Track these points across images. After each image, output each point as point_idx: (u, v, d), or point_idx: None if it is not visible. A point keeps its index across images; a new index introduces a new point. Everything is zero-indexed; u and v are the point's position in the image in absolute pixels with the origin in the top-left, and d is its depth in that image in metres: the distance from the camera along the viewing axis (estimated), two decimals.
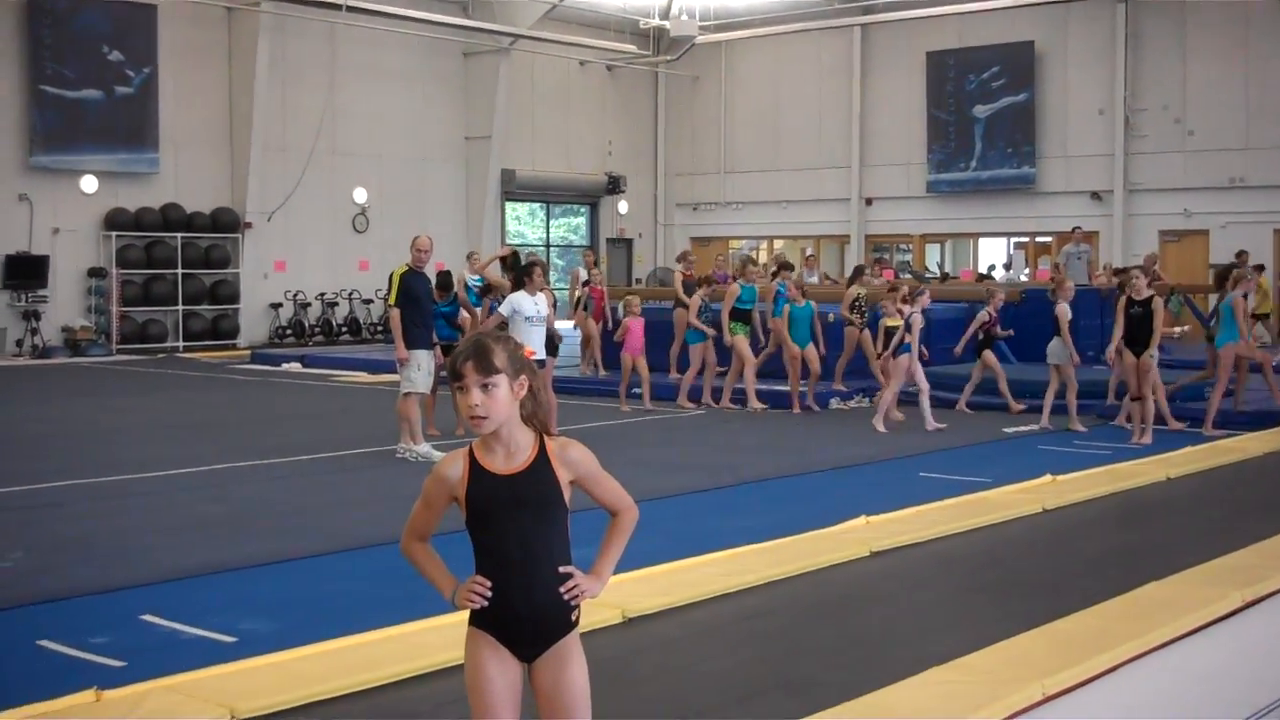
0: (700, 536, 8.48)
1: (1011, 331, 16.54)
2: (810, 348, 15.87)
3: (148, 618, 6.60)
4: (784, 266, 17.45)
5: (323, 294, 28.29)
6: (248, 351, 25.13)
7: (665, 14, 31.64)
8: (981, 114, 30.46)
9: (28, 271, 24.13)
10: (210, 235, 26.59)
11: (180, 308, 26.05)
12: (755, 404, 15.92)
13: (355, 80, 28.89)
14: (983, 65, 30.39)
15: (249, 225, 27.01)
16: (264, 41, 26.71)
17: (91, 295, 25.25)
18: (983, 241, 32.46)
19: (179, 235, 25.97)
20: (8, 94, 24.19)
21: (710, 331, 16.18)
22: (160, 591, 7.17)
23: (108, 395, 18.20)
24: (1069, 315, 14.17)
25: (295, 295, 27.82)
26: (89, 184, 25.17)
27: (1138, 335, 13.21)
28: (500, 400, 3.41)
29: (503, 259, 16.48)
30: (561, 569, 3.47)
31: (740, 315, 16.00)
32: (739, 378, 16.18)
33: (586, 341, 19.41)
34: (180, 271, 25.94)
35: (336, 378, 20.69)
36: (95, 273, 25.16)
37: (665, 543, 8.31)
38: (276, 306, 27.65)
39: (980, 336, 15.72)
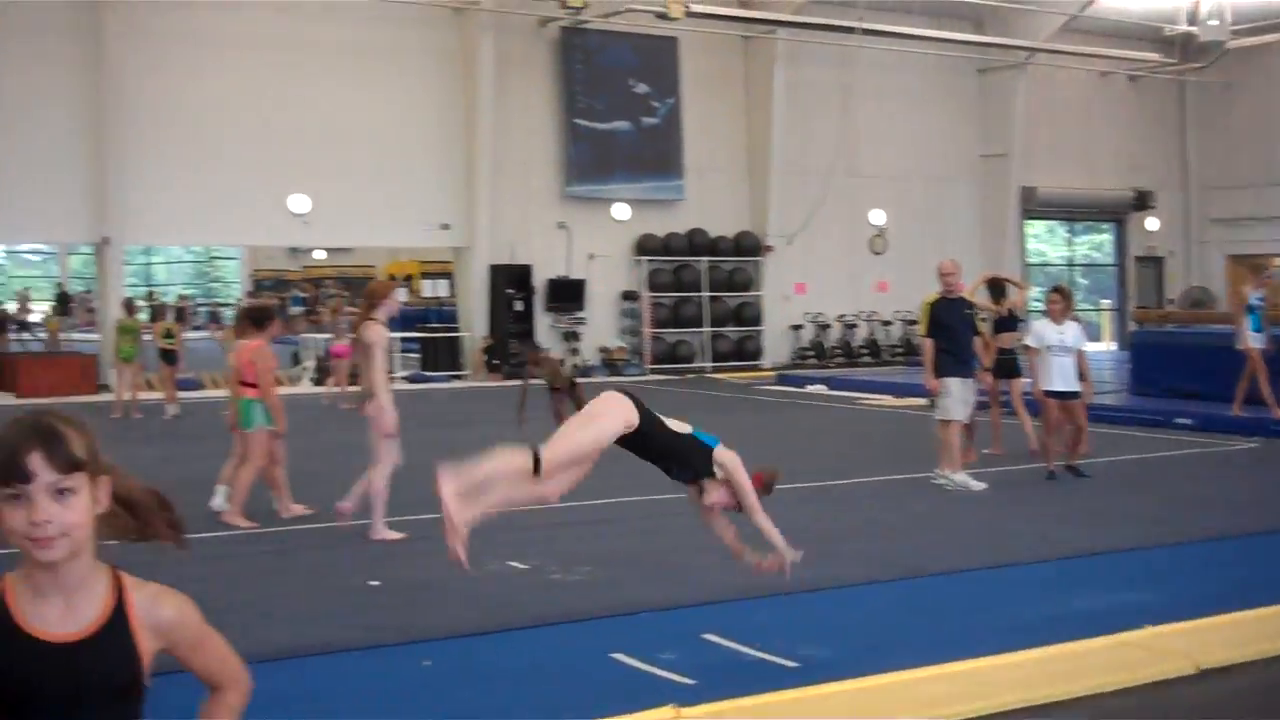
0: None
1: None
2: None
3: (709, 637, 6.74)
4: None
5: (841, 315, 28.56)
6: (773, 372, 25.76)
7: (1193, 19, 29.89)
8: None
9: (567, 294, 25.80)
10: (733, 259, 27.46)
11: (707, 329, 27.02)
12: None
13: (869, 102, 28.97)
14: None
15: (769, 248, 27.65)
16: (780, 68, 27.30)
17: (624, 317, 26.63)
18: None
19: (704, 259, 26.96)
20: (546, 128, 25.89)
21: None
22: (717, 611, 7.32)
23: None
24: None
25: (815, 317, 28.25)
26: (620, 211, 26.54)
27: None
28: (81, 512, 2.28)
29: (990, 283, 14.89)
30: None
31: None
32: None
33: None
34: (706, 294, 26.91)
35: (862, 400, 20.82)
36: (627, 295, 26.51)
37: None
38: (797, 328, 28.16)
39: None
